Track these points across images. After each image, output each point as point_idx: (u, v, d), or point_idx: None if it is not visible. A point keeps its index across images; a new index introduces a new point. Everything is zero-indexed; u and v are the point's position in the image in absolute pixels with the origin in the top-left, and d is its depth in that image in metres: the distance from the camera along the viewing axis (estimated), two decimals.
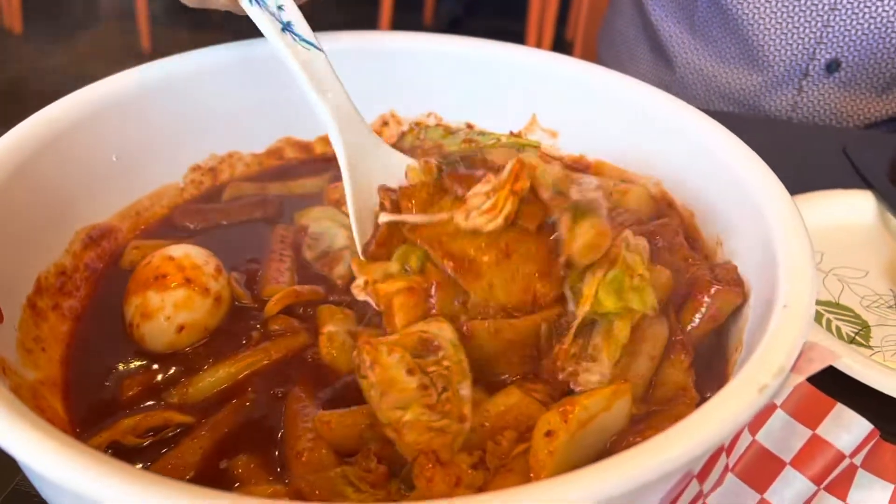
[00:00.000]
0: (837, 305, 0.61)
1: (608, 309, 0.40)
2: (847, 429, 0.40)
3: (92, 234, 0.52)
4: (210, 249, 0.50)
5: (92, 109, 0.52)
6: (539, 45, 2.62)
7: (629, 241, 0.42)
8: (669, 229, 0.50)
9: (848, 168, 0.75)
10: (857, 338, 0.58)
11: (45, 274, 0.48)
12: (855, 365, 0.53)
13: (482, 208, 0.41)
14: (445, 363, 0.38)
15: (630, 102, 0.57)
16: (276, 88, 0.61)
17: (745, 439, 0.40)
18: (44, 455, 0.29)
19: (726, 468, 0.39)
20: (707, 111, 0.54)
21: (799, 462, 0.40)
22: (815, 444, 0.40)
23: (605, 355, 0.40)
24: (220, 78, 0.59)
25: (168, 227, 0.57)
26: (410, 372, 0.37)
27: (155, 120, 0.56)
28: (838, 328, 0.59)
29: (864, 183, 0.72)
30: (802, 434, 0.40)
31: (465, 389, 0.38)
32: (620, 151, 0.59)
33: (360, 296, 0.42)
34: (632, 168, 0.58)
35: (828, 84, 0.96)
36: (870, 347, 0.57)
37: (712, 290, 0.44)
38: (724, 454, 0.37)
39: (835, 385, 0.48)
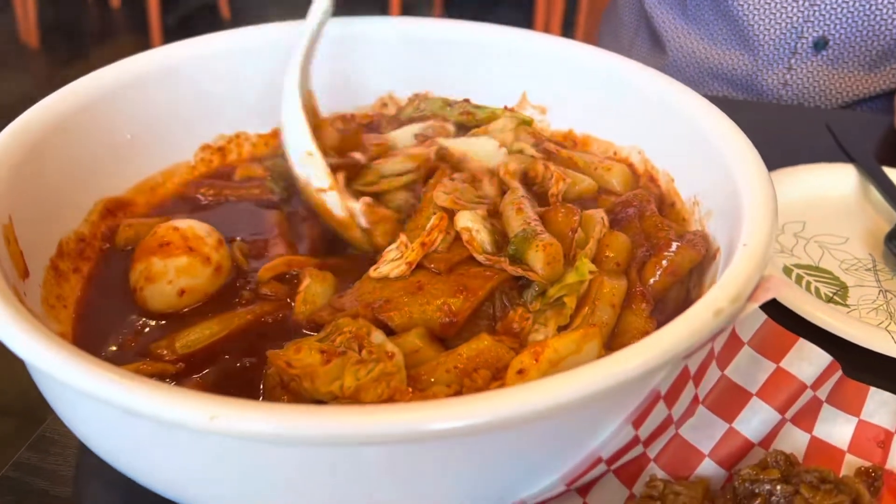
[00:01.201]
0: (817, 269, 0.64)
1: (553, 295, 0.45)
2: (809, 361, 0.43)
3: (109, 206, 0.56)
4: (218, 222, 0.54)
5: (108, 89, 0.56)
6: None
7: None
8: (642, 198, 0.54)
9: (832, 144, 0.78)
10: (834, 297, 0.61)
11: (66, 239, 0.52)
12: (830, 320, 0.55)
13: (388, 259, 0.47)
14: (347, 330, 0.41)
15: (612, 75, 0.60)
16: (280, 73, 0.65)
17: (715, 374, 0.43)
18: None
19: (696, 400, 0.42)
20: (699, 93, 0.57)
21: (764, 393, 0.43)
22: (780, 376, 0.43)
23: (552, 323, 0.44)
24: (228, 62, 0.63)
25: (181, 200, 0.60)
26: (322, 351, 0.40)
27: (166, 101, 0.60)
28: (817, 289, 0.61)
29: (847, 157, 0.75)
30: (767, 367, 0.43)
31: (377, 337, 0.41)
32: (606, 125, 0.62)
33: None
34: (617, 140, 0.61)
35: (816, 62, 0.98)
36: (846, 306, 0.60)
37: (672, 247, 0.47)
38: (690, 382, 0.39)
39: (814, 339, 0.52)
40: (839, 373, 0.45)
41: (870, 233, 0.68)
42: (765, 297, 0.37)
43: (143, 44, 3.14)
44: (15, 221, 0.46)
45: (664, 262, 0.46)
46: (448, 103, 0.67)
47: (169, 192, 0.61)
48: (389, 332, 0.44)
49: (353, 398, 0.39)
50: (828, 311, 0.56)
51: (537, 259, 0.45)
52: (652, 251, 0.48)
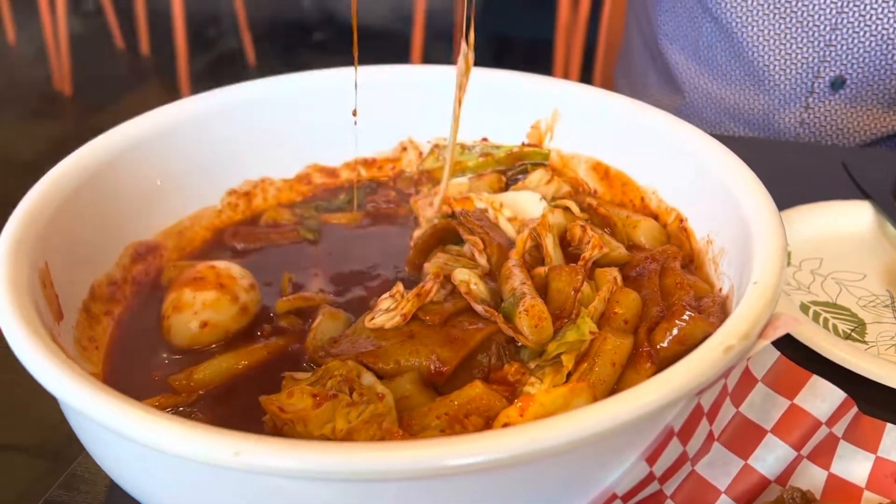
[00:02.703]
0: (835, 306, 0.64)
1: (552, 353, 0.46)
2: (822, 398, 0.43)
3: (139, 250, 0.58)
4: (258, 266, 0.56)
5: (138, 138, 0.59)
6: None
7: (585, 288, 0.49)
8: (668, 253, 0.54)
9: (848, 182, 0.79)
10: (852, 334, 0.61)
11: (97, 283, 0.54)
12: (848, 357, 0.56)
13: (383, 309, 0.49)
14: (337, 373, 0.43)
15: (624, 117, 0.62)
16: (303, 120, 0.67)
17: (730, 410, 0.43)
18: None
19: (711, 436, 0.43)
20: (717, 134, 0.57)
21: (779, 430, 0.43)
22: (794, 413, 0.43)
23: (548, 380, 0.45)
24: (253, 111, 0.65)
25: (216, 247, 0.62)
26: (313, 395, 0.42)
27: (194, 148, 0.62)
28: (835, 326, 0.62)
29: (863, 194, 0.76)
30: (782, 404, 0.43)
31: (367, 379, 0.43)
32: (620, 166, 0.63)
33: None
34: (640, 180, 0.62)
35: (834, 101, 0.99)
36: (865, 343, 0.60)
37: (685, 316, 0.46)
38: (704, 419, 0.40)
39: (832, 376, 0.52)
40: (855, 409, 0.45)
41: (887, 269, 0.68)
42: (775, 335, 0.38)
43: (172, 89, 3.24)
44: (50, 266, 0.48)
45: (675, 331, 0.46)
46: (466, 147, 0.70)
47: (197, 235, 0.63)
48: (381, 376, 0.45)
49: (345, 441, 0.40)
50: (846, 348, 0.57)
51: (523, 322, 0.47)
52: (666, 313, 0.48)
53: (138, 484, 0.40)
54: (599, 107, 0.64)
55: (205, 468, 0.33)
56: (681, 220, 0.58)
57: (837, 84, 0.99)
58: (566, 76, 2.83)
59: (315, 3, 3.87)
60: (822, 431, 0.44)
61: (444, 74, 0.69)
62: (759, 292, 0.40)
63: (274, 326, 0.53)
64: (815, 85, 1.00)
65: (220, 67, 3.53)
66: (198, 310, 0.51)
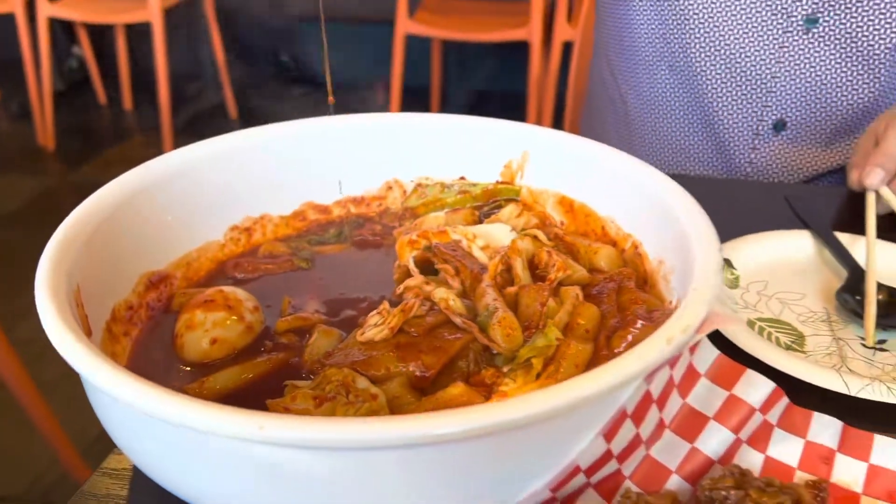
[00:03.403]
0: (778, 321, 0.71)
1: (523, 357, 0.53)
2: (755, 388, 0.50)
3: (152, 279, 0.64)
4: (259, 291, 0.63)
5: (151, 180, 0.65)
6: None
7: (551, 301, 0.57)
8: (625, 275, 0.62)
9: (790, 215, 0.87)
10: (792, 345, 0.68)
11: (117, 307, 0.60)
12: (788, 363, 0.63)
13: (372, 324, 0.55)
14: (335, 379, 0.50)
15: (584, 156, 0.70)
16: (297, 163, 0.74)
17: (677, 402, 0.50)
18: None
19: (662, 424, 0.49)
20: (673, 172, 0.65)
21: (720, 416, 0.50)
22: (732, 402, 0.50)
23: (520, 380, 0.52)
24: (253, 155, 0.72)
25: (219, 276, 0.69)
26: (314, 397, 0.49)
27: (200, 188, 0.69)
28: (777, 338, 0.69)
29: (803, 225, 0.84)
30: (721, 395, 0.50)
31: (362, 383, 0.50)
32: (582, 199, 0.71)
33: None
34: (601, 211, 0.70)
35: (777, 142, 1.09)
36: (804, 352, 0.68)
37: (637, 325, 0.54)
38: (654, 406, 0.47)
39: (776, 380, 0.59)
40: (786, 399, 0.52)
41: (824, 289, 0.76)
42: (710, 328, 0.45)
43: (154, 142, 3.31)
44: (81, 289, 0.54)
45: (629, 337, 0.53)
46: (445, 186, 0.77)
47: (203, 266, 0.69)
48: (373, 382, 0.52)
49: None
50: (785, 357, 0.64)
51: (496, 332, 0.54)
52: (622, 323, 0.56)
53: (162, 467, 0.45)
54: (564, 148, 0.72)
55: (230, 443, 0.39)
56: (636, 245, 0.65)
57: (779, 126, 1.09)
58: (539, 124, 2.95)
59: (293, 59, 3.99)
60: (757, 417, 0.50)
61: (424, 120, 0.77)
62: (696, 295, 0.47)
63: (275, 343, 0.59)
64: (760, 127, 1.10)
65: (202, 121, 3.62)
66: (208, 328, 0.57)
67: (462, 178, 0.77)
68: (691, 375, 0.50)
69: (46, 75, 3.34)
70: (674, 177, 0.64)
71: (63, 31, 3.85)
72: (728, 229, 0.82)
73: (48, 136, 3.38)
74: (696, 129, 1.13)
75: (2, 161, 3.34)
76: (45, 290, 0.49)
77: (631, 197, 0.66)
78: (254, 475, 0.41)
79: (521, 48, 3.12)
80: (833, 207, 0.94)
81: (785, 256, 0.80)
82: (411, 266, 0.64)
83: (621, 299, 0.59)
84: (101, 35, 3.83)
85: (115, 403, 0.44)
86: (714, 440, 0.50)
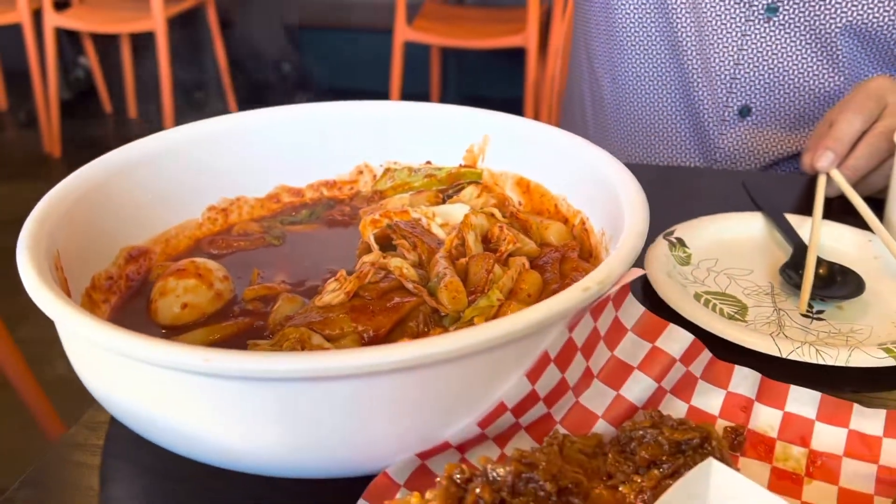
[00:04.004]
0: (724, 294, 0.76)
1: (467, 317, 0.57)
2: (675, 340, 0.54)
3: (132, 253, 0.69)
4: (231, 264, 0.68)
5: (133, 160, 0.70)
6: None
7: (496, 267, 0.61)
8: (568, 246, 0.67)
9: (747, 200, 0.91)
10: (735, 315, 0.72)
11: (97, 276, 0.65)
12: (727, 329, 0.67)
13: (329, 290, 0.60)
14: (292, 337, 0.55)
15: (540, 139, 0.74)
16: (272, 148, 0.79)
17: (605, 354, 0.54)
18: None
19: (591, 374, 0.54)
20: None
21: (643, 366, 0.54)
22: (655, 353, 0.54)
23: None
24: (230, 139, 0.77)
25: (195, 252, 0.73)
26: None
27: (179, 170, 0.74)
28: (721, 309, 0.73)
29: (757, 207, 0.88)
30: (645, 347, 0.54)
31: (316, 339, 0.55)
32: (538, 178, 0.76)
33: None
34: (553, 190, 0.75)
35: (742, 127, 1.13)
36: (745, 322, 0.72)
37: None
38: (579, 353, 0.51)
39: (716, 346, 0.63)
40: (707, 353, 0.56)
41: (771, 266, 0.80)
42: (625, 281, 0.50)
43: None
44: (61, 255, 0.59)
45: None
46: (413, 170, 0.82)
47: (181, 244, 0.74)
48: (328, 340, 0.56)
49: None
50: (725, 324, 0.68)
51: (443, 295, 0.58)
52: (562, 288, 0.60)
53: (123, 404, 0.50)
54: (520, 131, 0.77)
55: (179, 375, 0.44)
56: (583, 221, 0.70)
57: (744, 112, 1.13)
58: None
59: (295, 67, 4.05)
60: (679, 368, 0.55)
61: (391, 108, 0.81)
62: (616, 254, 0.51)
63: (242, 309, 0.63)
64: (726, 113, 1.14)
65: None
66: (180, 294, 0.62)
67: (428, 162, 0.82)
68: (618, 330, 0.54)
69: (53, 84, 3.41)
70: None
71: (69, 40, 3.93)
72: (688, 212, 0.87)
73: (54, 144, 3.45)
74: (668, 115, 1.18)
75: (9, 168, 3.41)
76: (25, 246, 0.53)
77: (579, 175, 0.70)
78: (205, 409, 0.46)
79: (520, 55, 3.18)
80: (794, 193, 0.98)
81: (737, 236, 0.84)
82: (371, 242, 0.68)
83: (563, 268, 0.64)
84: (106, 45, 3.91)
85: (85, 347, 0.49)
86: (637, 388, 0.54)
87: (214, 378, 0.43)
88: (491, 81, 3.89)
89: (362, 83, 3.73)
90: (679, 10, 1.12)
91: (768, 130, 1.14)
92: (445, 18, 3.41)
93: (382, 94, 3.07)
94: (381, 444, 0.47)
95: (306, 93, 3.91)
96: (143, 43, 3.78)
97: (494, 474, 0.43)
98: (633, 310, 0.55)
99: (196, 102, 3.98)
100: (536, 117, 3.15)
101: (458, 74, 4.02)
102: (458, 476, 0.43)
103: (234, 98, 3.69)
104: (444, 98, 3.87)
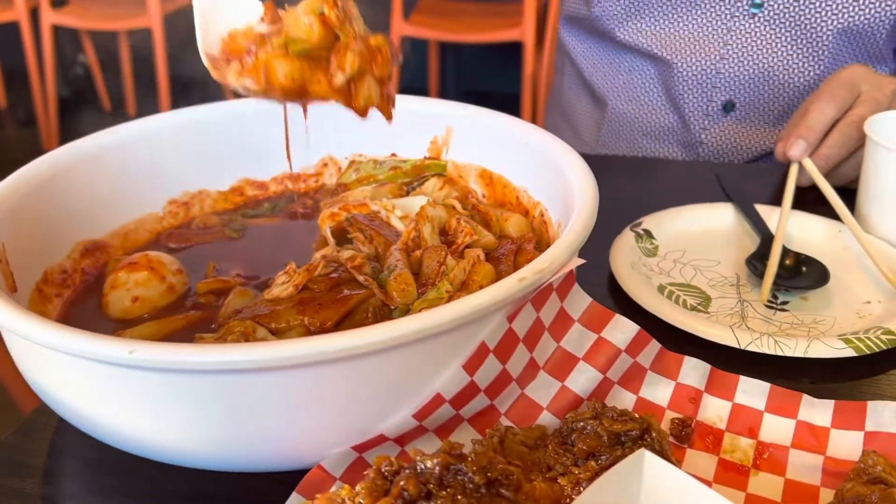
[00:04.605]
0: (688, 286, 0.75)
1: (416, 309, 0.57)
2: (621, 330, 0.54)
3: (88, 247, 0.69)
4: (189, 258, 0.67)
5: (92, 152, 0.70)
6: None
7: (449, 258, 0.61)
8: (525, 239, 0.66)
9: (720, 191, 0.90)
10: (698, 307, 0.72)
11: (50, 270, 0.64)
12: (691, 322, 0.66)
13: (279, 283, 0.60)
14: (237, 330, 0.55)
15: (502, 131, 0.74)
16: (236, 141, 0.79)
17: (552, 345, 0.54)
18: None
19: (536, 365, 0.53)
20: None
21: (589, 357, 0.53)
22: (600, 344, 0.53)
23: None
24: (192, 131, 0.76)
25: (155, 246, 0.73)
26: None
27: (141, 162, 0.73)
28: (685, 301, 0.72)
29: (728, 198, 0.87)
30: (591, 337, 0.54)
31: (261, 332, 0.55)
32: (499, 169, 0.75)
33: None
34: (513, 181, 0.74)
35: (726, 122, 1.13)
36: (707, 313, 0.71)
37: None
38: (521, 345, 0.50)
39: (679, 338, 0.64)
40: (656, 344, 0.55)
41: (738, 257, 0.79)
42: (563, 272, 0.49)
43: None
44: (7, 248, 0.58)
45: None
46: (378, 162, 0.81)
47: (140, 237, 0.73)
48: (274, 333, 0.56)
49: None
50: (685, 315, 0.67)
51: (392, 287, 0.58)
52: None
53: (59, 393, 0.50)
54: (482, 123, 0.76)
55: (105, 367, 0.43)
56: (542, 213, 0.69)
57: (728, 107, 1.12)
58: (533, 122, 2.99)
59: None
60: (625, 359, 0.54)
61: None
62: (556, 245, 0.51)
63: (194, 303, 0.63)
64: (710, 108, 1.13)
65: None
66: (130, 287, 0.62)
67: (393, 154, 0.81)
68: (565, 321, 0.54)
69: (51, 82, 3.41)
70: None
71: (69, 38, 3.93)
72: (663, 204, 0.86)
73: (53, 141, 3.45)
74: (653, 110, 1.17)
75: (8, 166, 3.41)
76: None
77: (538, 167, 0.70)
78: (135, 402, 0.45)
79: (519, 49, 3.17)
80: (770, 185, 0.97)
81: (706, 227, 0.84)
82: (328, 235, 0.68)
83: (518, 260, 0.63)
84: (106, 42, 3.92)
85: (20, 341, 0.49)
86: (582, 379, 0.53)
87: (141, 370, 0.43)
88: (490, 76, 3.87)
89: None
90: (663, 4, 1.11)
91: (752, 125, 1.13)
92: (442, 13, 3.40)
93: None
94: (313, 438, 0.46)
95: None
96: (142, 39, 3.78)
97: (423, 466, 0.42)
98: (580, 300, 0.54)
99: (194, 98, 3.98)
100: (534, 111, 3.15)
101: (456, 69, 4.01)
102: (387, 468, 0.43)
103: (233, 95, 3.69)
104: (443, 93, 3.86)
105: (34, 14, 3.37)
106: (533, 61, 3.14)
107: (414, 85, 3.64)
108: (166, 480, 0.53)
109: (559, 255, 0.50)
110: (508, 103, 3.43)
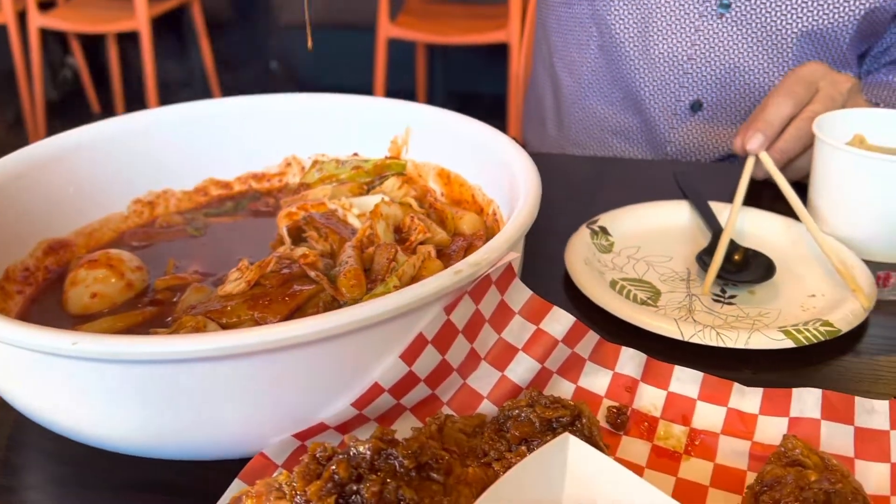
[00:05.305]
0: (640, 281, 0.77)
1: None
2: (558, 321, 0.55)
3: (52, 245, 0.71)
4: (151, 257, 0.69)
5: (56, 152, 0.71)
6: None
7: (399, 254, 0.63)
8: (476, 236, 0.69)
9: (678, 190, 0.92)
10: (647, 301, 0.74)
11: (12, 267, 0.66)
12: (638, 316, 0.68)
13: (232, 280, 0.62)
14: (189, 325, 0.57)
15: (450, 129, 0.76)
16: (201, 141, 0.81)
17: (493, 336, 0.56)
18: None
19: (477, 356, 0.55)
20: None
21: (527, 347, 0.55)
22: (538, 335, 0.55)
23: None
24: (157, 132, 0.78)
25: (118, 245, 0.75)
26: None
27: (104, 162, 0.75)
28: (635, 295, 0.74)
29: (684, 196, 0.89)
30: (530, 329, 0.55)
31: (211, 326, 0.57)
32: (454, 166, 0.77)
33: None
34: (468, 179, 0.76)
35: (693, 121, 1.15)
36: (656, 307, 0.73)
37: None
38: (461, 336, 0.52)
39: (628, 331, 0.67)
40: (594, 335, 0.57)
41: (691, 252, 0.81)
42: (500, 264, 0.51)
43: None
44: None
45: None
46: (340, 162, 0.83)
47: (105, 236, 0.75)
48: (224, 328, 0.57)
49: None
50: (633, 308, 0.69)
51: (342, 283, 0.60)
52: None
53: (13, 386, 0.51)
54: (439, 123, 0.78)
55: (53, 359, 0.45)
56: (495, 210, 0.71)
57: (696, 107, 1.15)
58: (518, 123, 3.01)
59: (282, 66, 4.06)
60: (563, 349, 0.56)
61: (318, 100, 0.83)
62: (494, 241, 0.53)
63: (152, 299, 0.65)
64: (677, 108, 1.15)
65: None
66: (89, 283, 0.64)
67: (355, 154, 0.83)
68: (505, 313, 0.55)
69: (38, 84, 3.43)
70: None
71: (57, 41, 3.95)
72: (621, 202, 0.88)
73: None
74: (622, 109, 1.19)
75: None
76: None
77: (490, 165, 0.72)
78: (80, 392, 0.47)
79: (505, 50, 3.19)
80: (728, 183, 0.99)
81: (661, 224, 0.86)
82: (284, 234, 0.70)
83: (468, 256, 0.65)
84: (94, 44, 3.93)
85: None
86: (521, 368, 0.55)
87: (86, 361, 0.45)
88: (478, 78, 3.90)
89: (348, 80, 3.74)
90: (631, 3, 1.13)
91: (719, 125, 1.15)
92: (428, 15, 3.42)
93: (367, 92, 3.08)
94: (255, 426, 0.48)
95: (292, 91, 3.91)
96: (130, 42, 3.79)
97: (355, 451, 0.44)
98: (520, 293, 0.56)
99: (182, 101, 3.99)
100: (520, 112, 3.16)
101: (444, 71, 4.03)
102: (321, 454, 0.44)
103: (221, 96, 3.71)
104: (431, 95, 3.88)
105: (21, 17, 3.38)
106: (519, 63, 3.16)
107: (401, 87, 3.66)
108: (120, 469, 0.54)
109: (495, 250, 0.52)
110: (495, 104, 3.46)
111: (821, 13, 1.06)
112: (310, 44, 0.76)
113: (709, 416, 0.55)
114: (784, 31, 1.08)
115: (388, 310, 0.46)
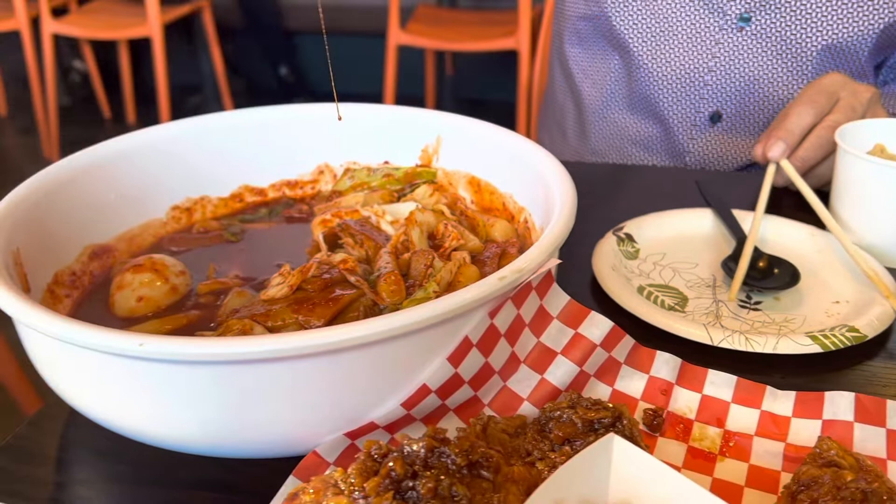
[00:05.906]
0: (667, 287, 0.79)
1: (404, 308, 0.60)
2: (596, 326, 0.57)
3: (96, 251, 0.73)
4: (188, 262, 0.71)
5: (99, 161, 0.73)
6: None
7: (436, 260, 0.64)
8: (508, 243, 0.70)
9: (700, 198, 0.94)
10: (675, 306, 0.75)
11: (60, 272, 0.68)
12: (668, 321, 0.70)
13: (274, 284, 0.63)
14: (236, 328, 0.59)
15: (484, 138, 0.78)
16: (236, 149, 0.83)
17: (532, 340, 0.57)
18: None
19: (517, 360, 0.57)
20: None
21: (566, 351, 0.57)
22: (577, 339, 0.57)
23: None
24: (194, 140, 0.80)
25: (158, 250, 0.77)
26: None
27: (145, 170, 0.77)
28: (662, 301, 0.76)
29: (707, 204, 0.91)
30: (569, 333, 0.57)
31: (258, 329, 0.59)
32: (486, 175, 0.79)
33: None
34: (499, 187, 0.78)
35: (713, 132, 1.16)
36: (684, 312, 0.75)
37: None
38: (503, 339, 0.54)
39: (657, 336, 0.68)
40: (630, 339, 0.59)
41: (715, 259, 0.83)
42: (541, 272, 0.53)
43: None
44: (21, 251, 0.62)
45: None
46: (371, 169, 0.85)
47: (145, 241, 0.77)
48: (270, 331, 0.59)
49: None
50: (662, 314, 0.71)
51: (382, 288, 0.62)
52: None
53: (73, 386, 0.53)
54: (470, 131, 0.80)
55: (116, 359, 0.47)
56: (527, 218, 0.73)
57: (715, 118, 1.16)
58: (528, 131, 3.03)
59: (292, 72, 4.09)
60: (601, 353, 0.58)
61: (350, 109, 0.85)
62: (535, 249, 0.54)
63: (195, 302, 0.67)
64: (697, 118, 1.17)
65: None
66: (135, 287, 0.66)
67: (386, 162, 0.85)
68: (544, 318, 0.57)
69: (51, 90, 3.46)
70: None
71: (69, 46, 3.98)
72: (645, 209, 0.90)
73: (53, 149, 3.50)
74: (643, 119, 1.21)
75: (8, 174, 3.46)
76: None
77: (523, 174, 0.74)
78: (144, 392, 0.49)
79: (514, 57, 3.21)
80: (749, 191, 1.01)
81: (685, 232, 0.87)
82: (320, 240, 0.72)
83: (502, 263, 0.67)
84: (106, 51, 3.96)
85: (34, 336, 0.52)
86: (560, 371, 0.57)
87: (149, 362, 0.47)
88: (488, 85, 3.92)
89: (359, 87, 3.77)
90: (650, 17, 1.15)
91: (738, 136, 1.17)
92: (438, 21, 3.45)
93: (378, 98, 3.10)
94: (308, 426, 0.50)
95: (303, 97, 3.95)
96: (141, 48, 3.82)
97: (409, 449, 0.46)
98: (559, 299, 0.58)
99: (193, 106, 4.03)
100: (529, 119, 3.19)
101: (454, 78, 4.06)
102: (376, 451, 0.46)
103: (232, 102, 3.74)
104: (439, 101, 3.90)
105: (35, 23, 3.41)
106: (528, 70, 3.19)
107: (411, 94, 3.68)
108: (172, 467, 0.56)
109: (537, 257, 0.53)
110: (504, 111, 3.48)
111: (841, 27, 1.07)
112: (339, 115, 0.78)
113: (743, 419, 0.57)
114: (804, 44, 1.10)
115: (441, 313, 0.48)
